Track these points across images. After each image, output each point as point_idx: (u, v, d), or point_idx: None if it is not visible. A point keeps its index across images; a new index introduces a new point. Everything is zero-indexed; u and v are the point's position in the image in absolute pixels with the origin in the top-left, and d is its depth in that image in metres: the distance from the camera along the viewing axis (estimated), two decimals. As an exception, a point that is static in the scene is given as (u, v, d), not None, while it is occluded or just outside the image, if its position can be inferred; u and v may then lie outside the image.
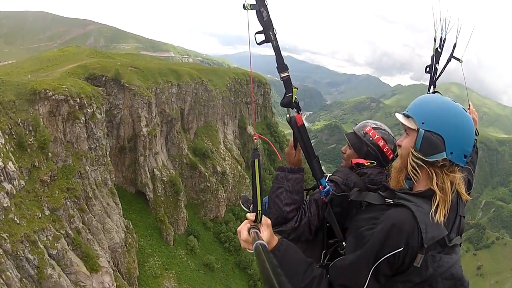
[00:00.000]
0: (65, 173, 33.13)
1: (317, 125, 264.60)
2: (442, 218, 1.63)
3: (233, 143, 68.81)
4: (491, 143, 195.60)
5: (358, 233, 1.75)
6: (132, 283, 39.46)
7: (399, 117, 1.86)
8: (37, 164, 29.85)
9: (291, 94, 1.92)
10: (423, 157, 1.71)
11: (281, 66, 1.86)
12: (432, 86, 3.32)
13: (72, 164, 34.18)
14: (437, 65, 3.29)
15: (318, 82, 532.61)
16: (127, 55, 79.83)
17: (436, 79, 3.32)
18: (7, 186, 26.06)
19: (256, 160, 1.62)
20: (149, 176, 49.43)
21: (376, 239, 1.62)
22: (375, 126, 2.66)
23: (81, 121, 35.18)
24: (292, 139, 2.19)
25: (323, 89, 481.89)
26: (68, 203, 32.14)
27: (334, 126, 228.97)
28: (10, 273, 24.06)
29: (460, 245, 1.81)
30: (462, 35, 3.31)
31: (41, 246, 27.57)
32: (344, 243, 2.00)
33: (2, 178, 25.72)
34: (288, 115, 1.98)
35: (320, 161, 2.13)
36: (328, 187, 2.12)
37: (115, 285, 33.34)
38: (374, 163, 2.49)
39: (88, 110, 36.44)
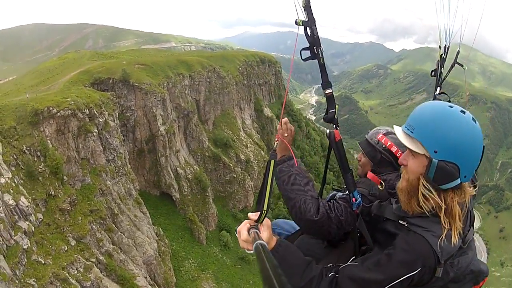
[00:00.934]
0: (86, 194, 30.14)
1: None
2: (456, 239, 1.64)
3: (252, 127, 66.58)
4: (502, 103, 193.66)
5: (376, 251, 1.83)
6: (171, 292, 37.90)
7: (400, 135, 1.74)
8: (53, 192, 26.74)
9: (334, 110, 1.99)
10: (436, 186, 1.65)
11: (326, 83, 1.94)
12: (438, 88, 3.48)
13: (91, 183, 31.11)
14: (441, 69, 3.54)
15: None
16: (130, 52, 77.02)
17: (442, 82, 3.53)
18: (24, 225, 23.12)
19: (273, 161, 1.68)
20: (172, 176, 47.07)
21: (391, 264, 1.64)
22: (386, 132, 2.70)
23: (94, 133, 31.63)
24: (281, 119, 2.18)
25: (329, 60, 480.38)
26: (94, 226, 29.43)
27: (344, 97, 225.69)
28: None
29: (473, 235, 1.88)
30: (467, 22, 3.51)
31: (73, 281, 25.20)
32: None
33: (16, 217, 22.72)
34: (327, 130, 2.05)
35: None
36: (359, 199, 2.13)
37: (155, 301, 31.42)
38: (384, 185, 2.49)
39: (100, 120, 32.75)
